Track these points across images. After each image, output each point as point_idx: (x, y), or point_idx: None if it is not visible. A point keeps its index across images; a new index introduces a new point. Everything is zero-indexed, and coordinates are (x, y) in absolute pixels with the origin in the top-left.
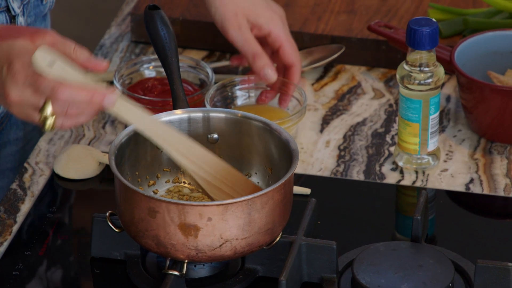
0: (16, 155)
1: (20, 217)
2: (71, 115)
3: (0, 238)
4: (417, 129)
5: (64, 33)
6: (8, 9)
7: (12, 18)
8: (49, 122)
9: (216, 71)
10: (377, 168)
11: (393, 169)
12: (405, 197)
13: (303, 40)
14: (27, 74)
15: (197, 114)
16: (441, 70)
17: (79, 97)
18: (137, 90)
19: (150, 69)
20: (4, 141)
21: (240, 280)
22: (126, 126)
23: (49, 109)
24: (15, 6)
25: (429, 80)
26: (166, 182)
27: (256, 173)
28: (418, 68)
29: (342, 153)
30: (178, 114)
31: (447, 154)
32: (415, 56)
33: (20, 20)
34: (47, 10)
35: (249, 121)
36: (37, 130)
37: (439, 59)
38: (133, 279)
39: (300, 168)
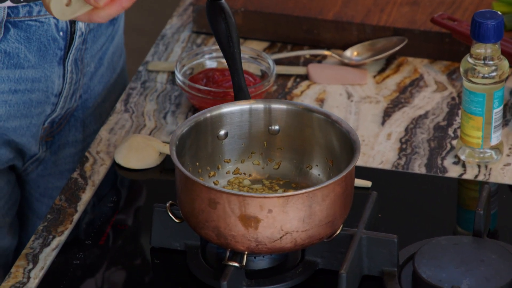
0: (75, 157)
1: (81, 206)
2: None
3: (61, 227)
4: (480, 123)
5: (126, 23)
6: None
7: (73, 23)
8: None
9: (277, 62)
10: (439, 162)
11: (455, 163)
12: (467, 191)
13: (365, 32)
14: None
15: (258, 105)
16: (505, 63)
17: None
18: (198, 81)
19: (212, 60)
20: (63, 143)
21: (300, 272)
22: (187, 116)
23: None
24: None
25: (493, 74)
26: (226, 173)
27: (317, 165)
28: (483, 62)
29: (404, 146)
30: (240, 105)
31: (510, 148)
32: (479, 49)
33: (80, 25)
34: None
35: (310, 113)
36: (97, 133)
37: (502, 52)
38: (192, 269)
39: (361, 160)
